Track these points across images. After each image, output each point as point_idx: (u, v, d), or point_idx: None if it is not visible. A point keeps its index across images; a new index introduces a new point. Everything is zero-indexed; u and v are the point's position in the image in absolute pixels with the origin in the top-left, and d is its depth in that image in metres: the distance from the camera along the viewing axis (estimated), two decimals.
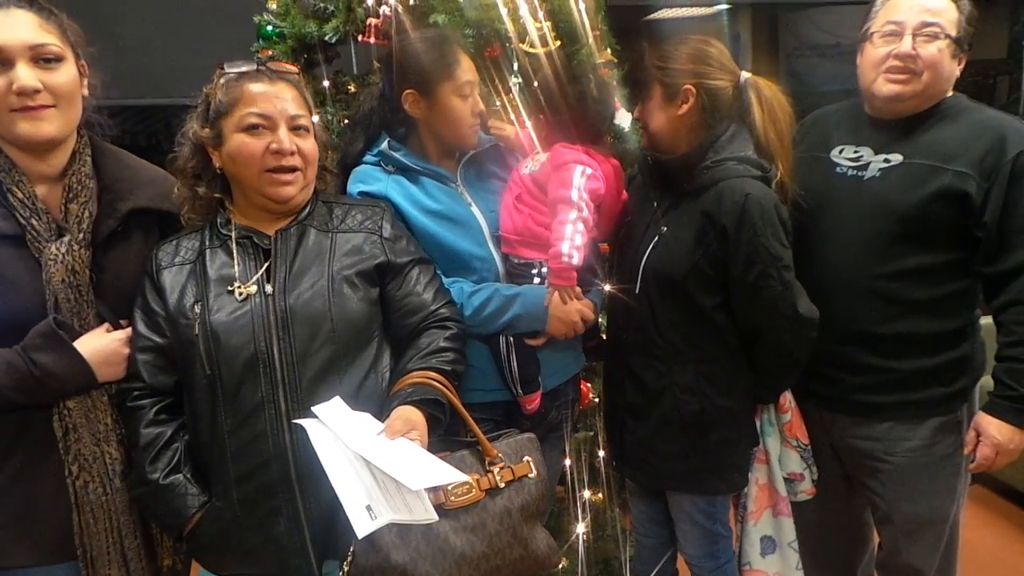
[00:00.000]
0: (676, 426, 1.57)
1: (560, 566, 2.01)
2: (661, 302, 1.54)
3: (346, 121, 2.02)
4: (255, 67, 1.31)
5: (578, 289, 1.54)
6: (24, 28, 1.18)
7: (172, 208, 1.39)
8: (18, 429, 1.25)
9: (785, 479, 1.69)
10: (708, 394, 1.55)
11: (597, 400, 1.93)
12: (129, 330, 1.31)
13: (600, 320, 1.69)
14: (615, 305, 1.66)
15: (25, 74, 1.17)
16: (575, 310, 1.53)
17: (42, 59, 1.20)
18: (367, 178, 1.52)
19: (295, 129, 1.30)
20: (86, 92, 1.29)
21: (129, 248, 1.35)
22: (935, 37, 1.47)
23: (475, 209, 1.57)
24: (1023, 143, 1.45)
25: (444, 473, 1.18)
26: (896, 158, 1.54)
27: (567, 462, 1.94)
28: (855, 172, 1.58)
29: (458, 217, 1.53)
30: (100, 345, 1.27)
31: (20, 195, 1.24)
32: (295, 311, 1.26)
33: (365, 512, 1.10)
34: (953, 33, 1.48)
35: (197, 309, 1.27)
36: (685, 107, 1.52)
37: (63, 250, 1.24)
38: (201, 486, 1.28)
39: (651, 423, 1.60)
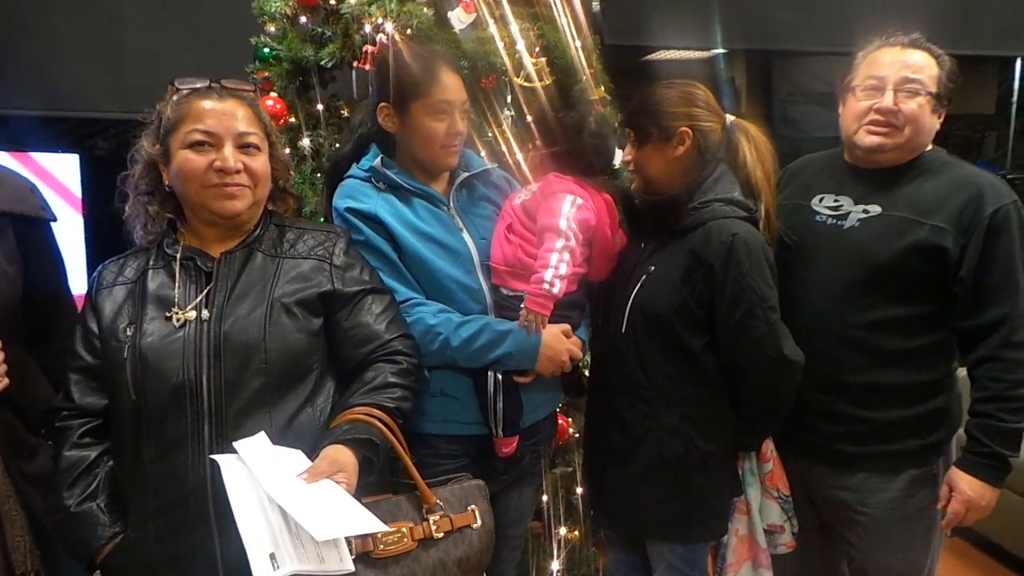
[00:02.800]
0: (659, 470, 1.56)
1: None
2: (648, 342, 1.54)
3: (337, 145, 2.04)
4: (207, 83, 1.29)
5: (567, 327, 1.54)
6: None
7: (25, 210, 1.32)
8: None
9: (765, 531, 1.67)
10: (692, 437, 1.55)
11: (577, 436, 1.92)
12: None
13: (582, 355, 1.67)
14: (601, 346, 1.66)
15: None
16: (564, 348, 1.51)
17: None
18: (356, 194, 1.50)
19: (244, 147, 1.27)
20: None
21: None
22: (916, 93, 1.52)
23: (466, 235, 1.55)
24: (999, 200, 1.49)
25: (361, 522, 1.12)
26: (875, 209, 1.57)
27: (544, 498, 1.93)
28: (834, 221, 1.61)
29: (448, 243, 1.51)
30: None
31: None
32: (228, 338, 1.22)
33: (268, 560, 1.06)
34: (933, 89, 1.53)
35: (129, 332, 1.24)
36: (681, 149, 1.55)
37: None
38: (115, 516, 1.24)
39: (633, 468, 1.58)
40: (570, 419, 1.98)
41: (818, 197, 1.66)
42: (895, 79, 1.52)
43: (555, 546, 1.97)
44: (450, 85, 1.47)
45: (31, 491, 1.25)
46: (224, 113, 1.26)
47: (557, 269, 1.45)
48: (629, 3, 3.44)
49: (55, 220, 1.39)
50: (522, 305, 1.47)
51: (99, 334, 1.26)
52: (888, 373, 1.55)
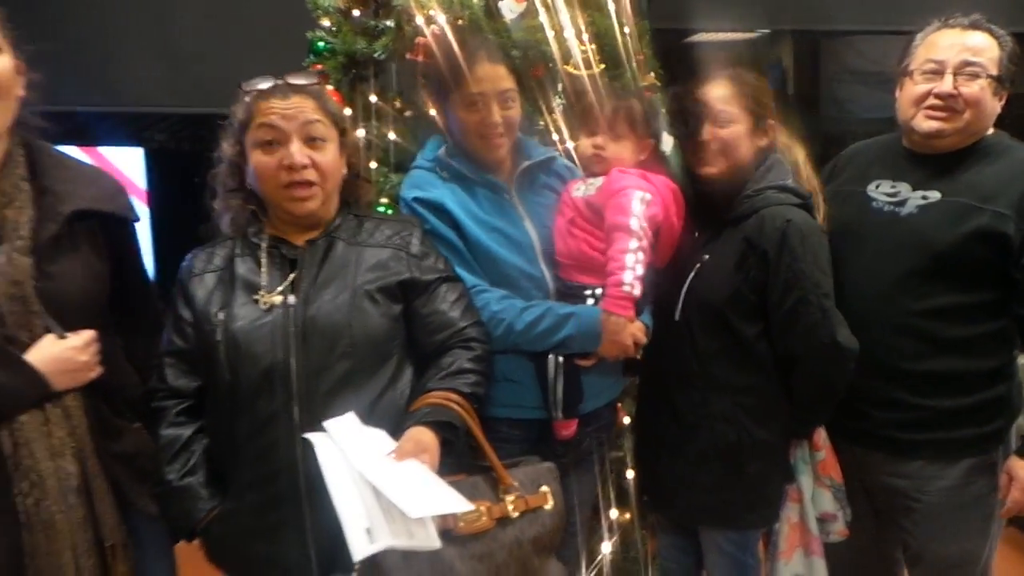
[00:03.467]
0: (712, 458, 1.59)
1: None
2: (702, 330, 1.57)
3: (391, 135, 2.09)
4: (272, 83, 1.34)
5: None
6: None
7: (115, 209, 1.36)
8: None
9: (818, 519, 1.69)
10: (746, 425, 1.57)
11: (628, 420, 1.94)
12: (86, 335, 1.27)
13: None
14: (653, 334, 1.65)
15: None
16: (629, 333, 1.53)
17: None
18: (423, 183, 1.54)
19: (311, 141, 1.32)
20: (21, 92, 1.25)
21: (75, 254, 1.29)
22: (976, 76, 1.50)
23: (528, 224, 1.58)
24: None
25: (448, 501, 1.18)
26: (934, 195, 1.56)
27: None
28: (891, 207, 1.61)
29: (510, 232, 1.55)
30: (53, 354, 1.23)
31: None
32: (315, 323, 1.29)
33: (364, 535, 1.11)
34: (994, 72, 1.51)
35: (221, 315, 1.31)
36: (765, 140, 1.58)
37: (2, 260, 1.19)
38: (213, 490, 1.32)
39: (687, 455, 1.61)
40: (620, 404, 2.00)
41: (874, 183, 1.65)
42: (955, 62, 1.50)
43: (606, 529, 2.00)
44: (483, 76, 1.48)
45: (118, 469, 1.32)
46: (288, 110, 1.31)
47: (634, 270, 1.46)
48: None
49: (138, 220, 1.46)
50: (601, 307, 1.49)
51: (192, 320, 1.34)
52: (946, 361, 1.55)
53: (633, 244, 1.47)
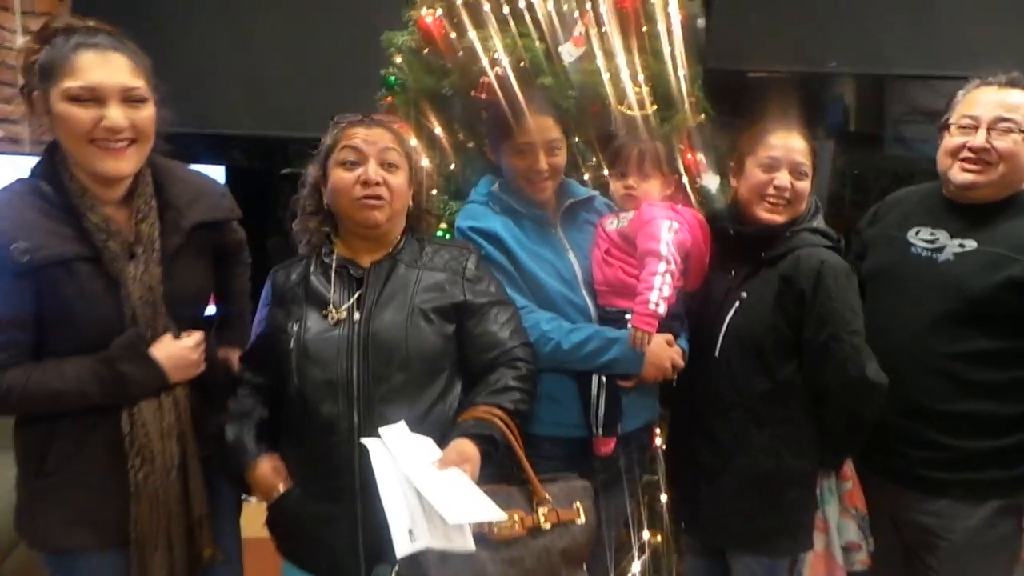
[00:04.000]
0: (751, 486, 1.67)
1: None
2: (741, 364, 1.66)
3: (453, 166, 2.24)
4: (360, 117, 1.52)
5: (670, 336, 1.67)
6: (120, 71, 1.31)
7: (223, 215, 1.55)
8: (87, 426, 1.39)
9: (843, 548, 1.75)
10: (783, 455, 1.66)
11: (662, 446, 2.02)
12: (197, 336, 1.47)
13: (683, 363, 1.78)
14: (692, 368, 1.75)
15: (116, 114, 1.30)
16: (667, 356, 1.64)
17: (131, 100, 1.32)
18: (477, 215, 1.70)
19: (385, 165, 1.47)
20: (156, 128, 1.41)
21: (191, 260, 1.48)
22: (1010, 131, 1.57)
23: (571, 255, 1.72)
24: None
25: (484, 509, 1.28)
26: (971, 244, 1.63)
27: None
28: (929, 254, 1.68)
29: (555, 262, 1.69)
30: (172, 351, 1.42)
31: (95, 219, 1.34)
32: (375, 337, 1.42)
33: (407, 534, 1.23)
34: None
35: (295, 327, 1.46)
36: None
37: (140, 270, 1.37)
38: (260, 445, 1.49)
39: (726, 484, 1.69)
40: (655, 430, 2.08)
41: (915, 230, 1.73)
42: (989, 118, 1.58)
43: (637, 550, 2.07)
44: (532, 128, 1.63)
45: (208, 450, 1.51)
46: (370, 136, 1.48)
47: (661, 291, 1.58)
48: (733, 27, 3.49)
49: (241, 217, 1.64)
50: (629, 323, 1.61)
51: (271, 330, 1.52)
52: (977, 403, 1.60)
53: (662, 267, 1.59)
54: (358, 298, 1.46)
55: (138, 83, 1.33)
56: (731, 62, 3.46)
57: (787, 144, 1.65)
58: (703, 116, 2.24)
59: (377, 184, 1.45)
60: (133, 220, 1.39)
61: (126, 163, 1.34)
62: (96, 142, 1.30)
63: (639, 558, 2.08)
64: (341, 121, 1.52)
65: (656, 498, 2.13)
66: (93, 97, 1.29)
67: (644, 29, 2.18)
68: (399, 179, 1.49)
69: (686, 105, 2.18)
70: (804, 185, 1.65)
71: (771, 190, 1.64)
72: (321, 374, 1.41)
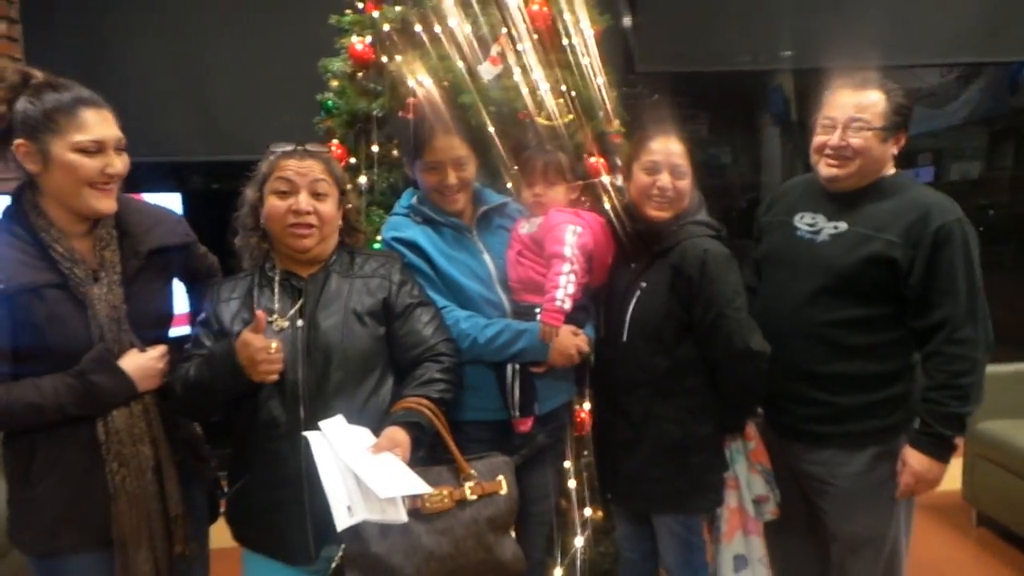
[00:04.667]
0: (662, 454, 1.87)
1: (558, 575, 2.29)
2: (645, 347, 1.86)
3: (390, 180, 2.42)
4: (293, 147, 1.66)
5: (574, 327, 1.86)
6: (113, 126, 1.53)
7: (179, 240, 1.71)
8: (67, 437, 1.53)
9: (753, 502, 1.96)
10: (688, 424, 1.87)
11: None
12: (161, 348, 1.62)
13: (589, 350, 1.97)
14: (605, 354, 1.97)
15: (117, 162, 1.52)
16: (572, 343, 1.84)
17: (118, 148, 1.54)
18: (399, 226, 1.87)
19: (316, 195, 1.62)
20: None
21: (151, 282, 1.64)
22: (862, 129, 1.78)
23: (486, 257, 1.90)
24: (944, 217, 1.75)
25: (412, 484, 1.45)
26: (843, 226, 1.86)
27: (571, 483, 2.23)
28: (810, 236, 1.91)
29: (471, 264, 1.87)
30: (140, 362, 1.57)
31: (60, 249, 1.51)
32: (316, 340, 1.58)
33: (345, 511, 1.40)
34: (879, 124, 1.79)
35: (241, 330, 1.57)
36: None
37: (104, 291, 1.53)
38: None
39: (640, 454, 1.89)
40: (583, 413, 2.26)
41: (799, 215, 1.96)
42: (844, 119, 1.79)
43: (579, 524, 2.26)
44: (440, 147, 1.81)
45: (182, 452, 1.68)
46: (301, 168, 1.62)
47: (566, 289, 1.77)
48: (664, 29, 3.69)
49: (196, 240, 1.81)
50: (538, 318, 1.79)
51: (221, 332, 1.62)
52: (851, 364, 1.83)
53: (566, 268, 1.78)
54: (300, 307, 1.62)
55: (120, 134, 1.55)
56: (659, 64, 3.66)
57: (666, 148, 1.84)
58: (617, 123, 2.43)
59: (308, 213, 1.60)
60: (97, 248, 1.56)
61: (113, 201, 1.55)
62: (95, 186, 1.50)
63: (581, 534, 2.27)
64: (275, 151, 1.66)
65: (594, 476, 2.33)
66: (99, 149, 1.49)
67: (564, 42, 2.38)
68: (328, 206, 1.64)
69: (600, 114, 2.39)
70: (684, 184, 1.85)
71: (655, 191, 1.84)
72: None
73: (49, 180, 1.51)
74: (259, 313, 1.55)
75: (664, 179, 1.83)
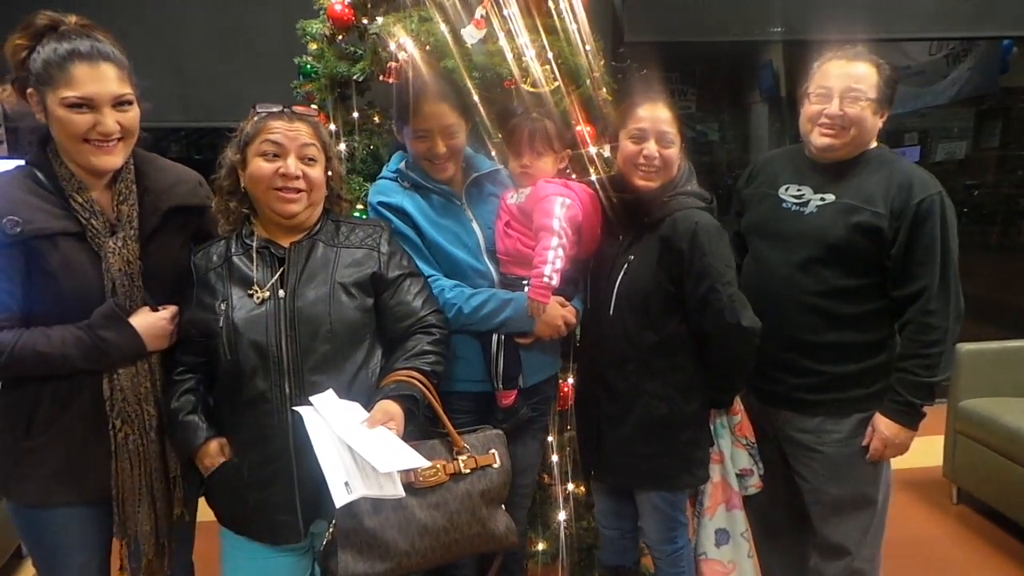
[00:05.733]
0: (649, 429, 1.87)
1: (540, 548, 2.29)
2: (633, 320, 1.84)
3: (371, 147, 2.36)
4: (281, 108, 1.61)
5: (562, 299, 1.85)
6: (110, 81, 1.47)
7: (199, 202, 1.68)
8: (72, 391, 1.53)
9: (737, 475, 1.97)
10: (675, 400, 1.86)
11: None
12: (172, 308, 1.60)
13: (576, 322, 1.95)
14: (591, 327, 1.96)
15: (109, 120, 1.48)
16: (559, 315, 1.82)
17: (119, 104, 1.49)
18: (386, 191, 1.83)
19: (305, 159, 1.58)
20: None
21: (167, 240, 1.62)
22: (858, 99, 1.80)
23: (475, 225, 1.87)
24: (925, 191, 1.78)
25: (409, 458, 1.44)
26: (830, 197, 1.87)
27: (554, 458, 2.21)
28: (797, 208, 1.91)
29: (459, 232, 1.84)
30: (149, 322, 1.56)
31: (80, 200, 1.51)
32: (301, 312, 1.54)
33: (343, 487, 1.37)
34: (873, 95, 1.81)
35: (223, 306, 1.55)
36: (680, 153, 1.88)
37: (119, 244, 1.52)
38: (209, 424, 1.58)
39: (626, 429, 1.89)
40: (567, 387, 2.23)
41: (784, 187, 1.96)
42: (840, 88, 1.80)
43: (561, 499, 2.25)
44: (429, 114, 1.77)
45: None
46: (291, 131, 1.57)
47: (554, 264, 1.74)
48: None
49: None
50: (526, 292, 1.76)
51: (199, 311, 1.58)
52: (840, 334, 1.86)
53: (554, 242, 1.75)
54: (281, 276, 1.57)
55: (125, 89, 1.50)
56: (648, 35, 3.61)
57: (653, 115, 1.82)
58: (604, 92, 2.38)
59: (296, 178, 1.56)
60: (115, 202, 1.54)
61: (116, 158, 1.51)
62: (90, 142, 1.48)
63: (563, 508, 2.26)
64: (262, 111, 1.61)
65: (576, 451, 2.31)
66: (88, 105, 1.45)
67: (551, 6, 2.32)
68: (317, 171, 1.60)
69: (588, 81, 2.33)
70: (671, 152, 1.82)
71: (641, 159, 1.82)
72: (252, 349, 1.52)
73: (53, 132, 1.51)
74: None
75: (651, 147, 1.81)
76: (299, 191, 1.57)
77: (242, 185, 1.61)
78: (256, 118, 1.60)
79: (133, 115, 1.52)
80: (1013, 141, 6.05)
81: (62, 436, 1.53)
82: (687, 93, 5.70)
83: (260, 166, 1.56)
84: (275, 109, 1.61)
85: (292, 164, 1.55)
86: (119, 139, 1.50)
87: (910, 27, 3.90)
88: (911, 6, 3.71)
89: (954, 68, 5.77)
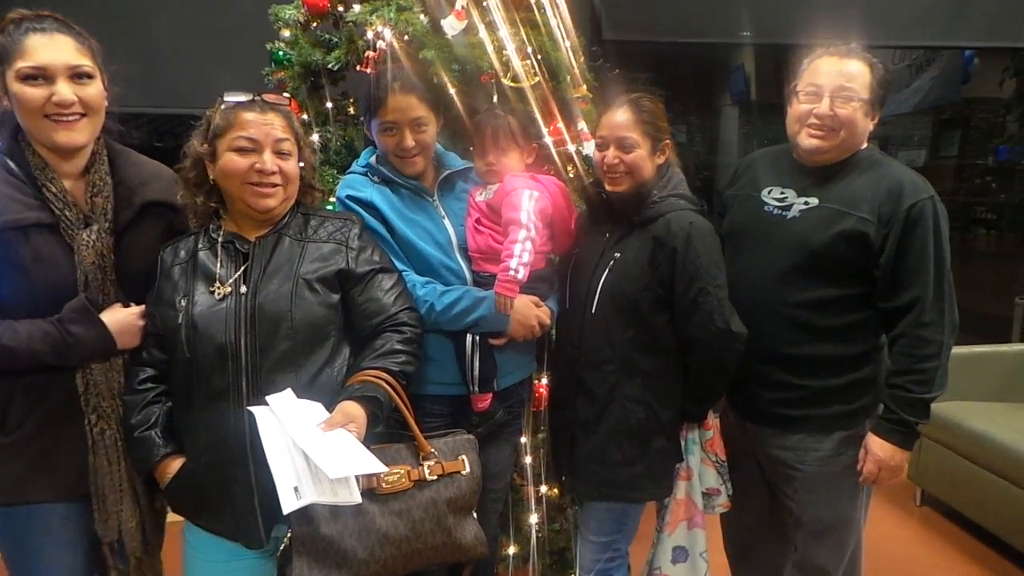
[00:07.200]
0: (623, 435, 1.79)
1: (511, 552, 2.23)
2: (616, 320, 1.76)
3: (345, 139, 2.28)
4: (251, 98, 1.53)
5: (536, 298, 1.77)
6: (65, 50, 1.42)
7: (173, 199, 1.60)
8: (46, 386, 1.48)
9: (704, 494, 1.88)
10: (652, 405, 1.78)
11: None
12: (143, 306, 1.54)
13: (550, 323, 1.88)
14: (568, 326, 1.86)
15: (64, 89, 1.41)
16: (533, 315, 1.74)
17: (78, 76, 1.43)
18: (356, 184, 1.75)
19: (279, 153, 1.51)
20: (106, 103, 1.52)
21: (142, 235, 1.57)
22: (850, 100, 1.69)
23: (447, 222, 1.79)
24: (917, 196, 1.68)
25: (366, 463, 1.36)
26: (814, 201, 1.77)
27: (527, 460, 2.16)
28: (780, 211, 1.82)
29: (431, 229, 1.76)
30: (120, 318, 1.51)
31: (54, 190, 1.46)
32: (262, 309, 1.46)
33: (292, 492, 1.31)
34: (865, 96, 1.70)
35: (183, 302, 1.49)
36: (662, 158, 1.79)
37: (93, 237, 1.47)
38: (167, 440, 1.51)
39: (601, 434, 1.80)
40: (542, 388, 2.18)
41: (767, 189, 1.86)
42: (832, 86, 1.69)
43: (535, 502, 2.20)
44: (396, 107, 1.69)
45: None
46: (265, 124, 1.50)
47: (520, 258, 1.67)
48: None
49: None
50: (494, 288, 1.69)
51: (161, 306, 1.52)
52: (821, 346, 1.76)
53: (522, 235, 1.68)
54: (244, 271, 1.50)
55: (83, 61, 1.43)
56: (627, 34, 3.58)
57: (612, 122, 1.75)
58: (584, 88, 2.33)
59: (272, 173, 1.50)
60: (88, 193, 1.50)
61: (78, 134, 1.45)
62: (50, 116, 1.42)
63: (536, 511, 2.21)
64: (231, 101, 1.52)
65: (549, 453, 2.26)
66: (43, 76, 1.40)
67: (531, 2, 2.26)
68: (292, 165, 1.54)
69: (568, 77, 2.28)
70: (633, 156, 1.73)
71: (604, 167, 1.76)
72: (210, 346, 1.45)
73: (17, 115, 1.44)
74: None
75: (610, 155, 1.75)
76: (275, 185, 1.50)
77: (211, 178, 1.53)
78: (224, 108, 1.52)
79: (95, 91, 1.45)
80: (971, 150, 6.19)
81: (36, 431, 1.48)
82: (654, 94, 5.70)
83: (234, 160, 1.48)
84: (244, 99, 1.53)
85: (268, 160, 1.48)
86: (82, 115, 1.44)
87: (881, 35, 3.93)
88: (884, 14, 3.73)
89: (917, 78, 5.86)
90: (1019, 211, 5.80)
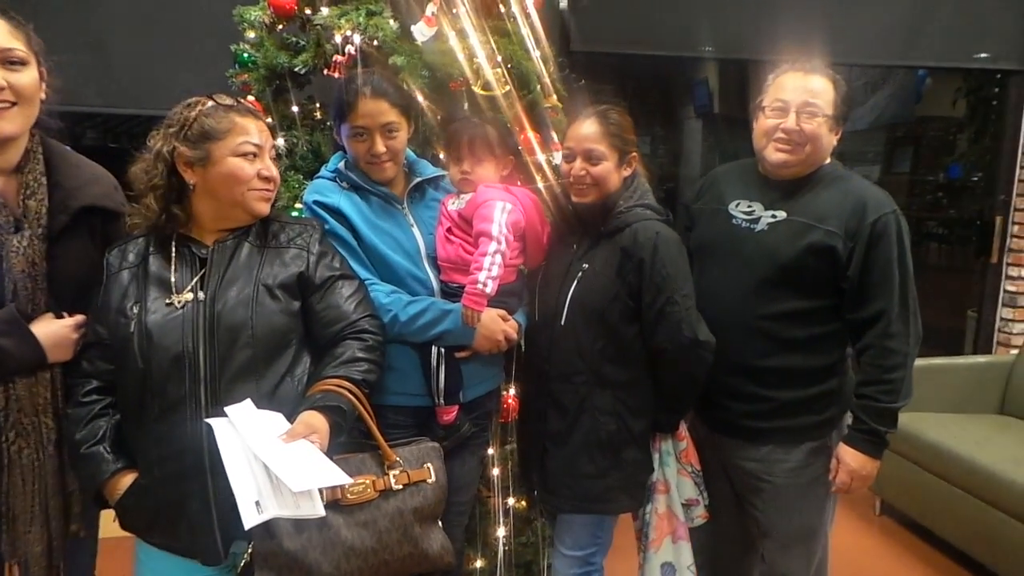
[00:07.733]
0: (595, 446, 1.76)
1: (478, 566, 2.19)
2: (586, 331, 1.74)
3: (311, 143, 2.23)
4: (234, 102, 1.49)
5: (504, 312, 1.74)
6: None
7: (115, 206, 1.52)
8: None
9: (683, 505, 1.87)
10: (623, 416, 1.76)
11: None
12: (78, 317, 1.46)
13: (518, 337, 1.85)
14: (539, 338, 1.83)
15: None
16: (500, 329, 1.71)
17: (8, 61, 1.34)
18: (323, 190, 1.70)
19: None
20: (43, 96, 1.43)
21: (77, 243, 1.48)
22: (815, 115, 1.71)
23: (416, 231, 1.75)
24: (880, 210, 1.70)
25: (329, 475, 1.32)
26: (781, 214, 1.78)
27: (495, 472, 2.13)
28: (748, 224, 1.82)
29: (399, 237, 1.71)
30: (52, 330, 1.42)
31: None
32: (221, 317, 1.41)
33: (253, 506, 1.26)
34: (830, 112, 1.72)
35: (135, 310, 1.42)
36: (629, 170, 1.78)
37: (24, 243, 1.38)
38: (118, 456, 1.44)
39: (572, 446, 1.77)
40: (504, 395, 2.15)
41: (735, 202, 1.86)
42: (797, 102, 1.71)
43: (502, 515, 2.17)
44: (366, 112, 1.65)
45: None
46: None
47: (490, 271, 1.64)
48: (599, 10, 3.61)
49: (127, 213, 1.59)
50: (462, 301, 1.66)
51: (108, 313, 1.44)
52: (788, 358, 1.76)
53: (492, 248, 1.65)
54: (201, 278, 1.44)
55: (15, 44, 1.35)
56: (596, 45, 3.58)
57: (578, 134, 1.73)
58: (554, 98, 2.32)
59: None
60: (21, 195, 1.40)
61: (8, 123, 1.36)
62: None
63: (503, 524, 2.18)
64: (222, 103, 1.46)
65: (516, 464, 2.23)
66: None
67: (502, 11, 2.25)
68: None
69: (537, 87, 2.27)
70: (600, 169, 1.72)
71: (572, 179, 1.75)
72: (166, 356, 1.38)
73: None
74: None
75: (576, 167, 1.73)
76: (273, 191, 1.50)
77: (190, 181, 1.45)
78: (212, 110, 1.44)
79: (28, 79, 1.37)
80: (923, 167, 6.37)
81: None
82: (620, 106, 5.74)
83: (241, 167, 1.44)
84: (230, 102, 1.48)
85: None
86: (12, 103, 1.35)
87: (841, 53, 4.00)
88: (843, 33, 3.81)
89: (872, 95, 6.02)
90: (969, 226, 5.99)
